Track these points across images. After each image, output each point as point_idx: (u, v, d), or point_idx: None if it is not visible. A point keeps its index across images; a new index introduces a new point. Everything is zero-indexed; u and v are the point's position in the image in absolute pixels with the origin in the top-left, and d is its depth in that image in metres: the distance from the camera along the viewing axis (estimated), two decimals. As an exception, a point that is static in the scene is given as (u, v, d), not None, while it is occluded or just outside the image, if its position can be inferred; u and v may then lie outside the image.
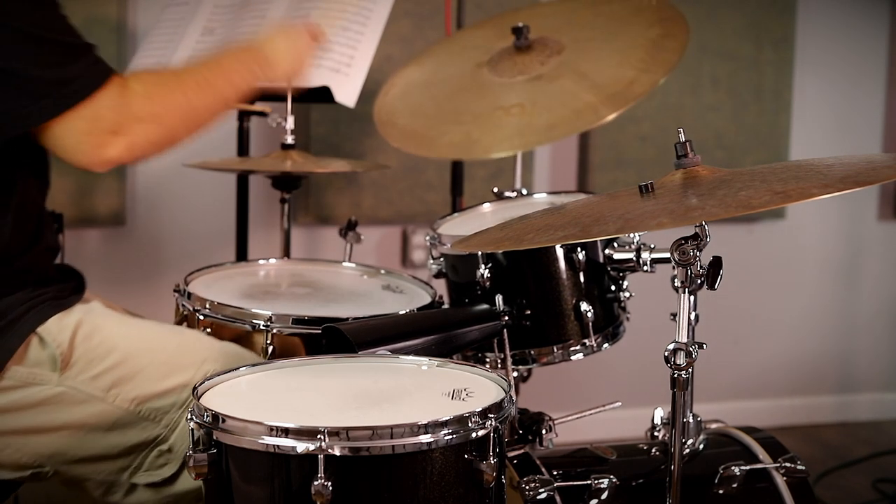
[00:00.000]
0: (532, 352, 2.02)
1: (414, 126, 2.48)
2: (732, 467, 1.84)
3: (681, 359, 1.58)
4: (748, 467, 1.85)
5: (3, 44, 1.63)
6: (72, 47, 1.69)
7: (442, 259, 2.13)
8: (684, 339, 1.59)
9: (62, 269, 1.91)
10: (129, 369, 1.77)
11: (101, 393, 1.76)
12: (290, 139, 2.46)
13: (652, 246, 1.98)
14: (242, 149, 2.86)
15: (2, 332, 1.72)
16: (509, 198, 2.34)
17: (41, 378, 1.75)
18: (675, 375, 1.60)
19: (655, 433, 2.01)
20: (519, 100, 2.36)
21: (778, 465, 1.86)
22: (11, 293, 1.74)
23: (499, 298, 1.97)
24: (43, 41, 1.66)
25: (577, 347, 2.01)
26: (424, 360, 1.71)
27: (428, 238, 2.14)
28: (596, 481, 1.81)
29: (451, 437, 1.42)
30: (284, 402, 1.57)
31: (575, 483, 1.82)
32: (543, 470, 1.84)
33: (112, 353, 1.78)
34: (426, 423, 1.41)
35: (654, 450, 1.95)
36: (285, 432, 1.40)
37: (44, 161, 1.84)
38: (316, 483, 1.37)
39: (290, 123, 2.46)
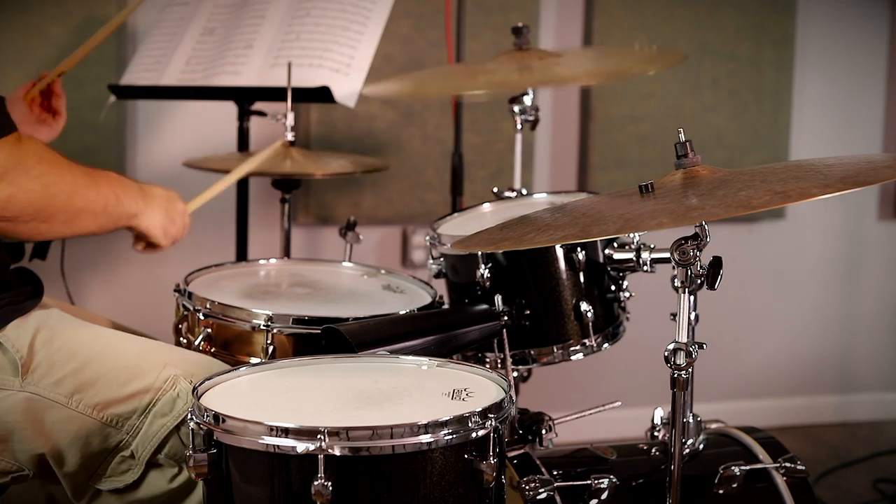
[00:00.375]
0: (532, 352, 2.02)
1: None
2: (732, 467, 1.84)
3: (681, 359, 1.59)
4: (748, 467, 1.85)
5: None
6: None
7: (442, 259, 2.13)
8: (684, 339, 1.59)
9: (19, 272, 1.88)
10: (90, 374, 1.76)
11: (63, 399, 1.74)
12: (290, 136, 2.46)
13: (652, 246, 1.98)
14: (242, 148, 2.86)
15: None
16: (509, 198, 2.34)
17: (4, 382, 1.73)
18: (675, 375, 1.60)
19: (655, 433, 2.01)
20: (510, 75, 2.41)
21: (778, 465, 1.86)
22: None
23: (498, 298, 1.97)
24: None
25: (577, 347, 2.01)
26: (424, 360, 1.71)
27: (428, 238, 2.14)
28: (596, 481, 1.82)
29: (451, 437, 1.42)
30: (284, 402, 1.57)
31: (575, 483, 1.82)
32: (543, 470, 1.84)
33: (73, 358, 1.76)
34: (426, 423, 1.41)
35: (654, 450, 1.95)
36: (285, 432, 1.40)
37: None
38: (316, 483, 1.37)
39: (290, 120, 2.45)
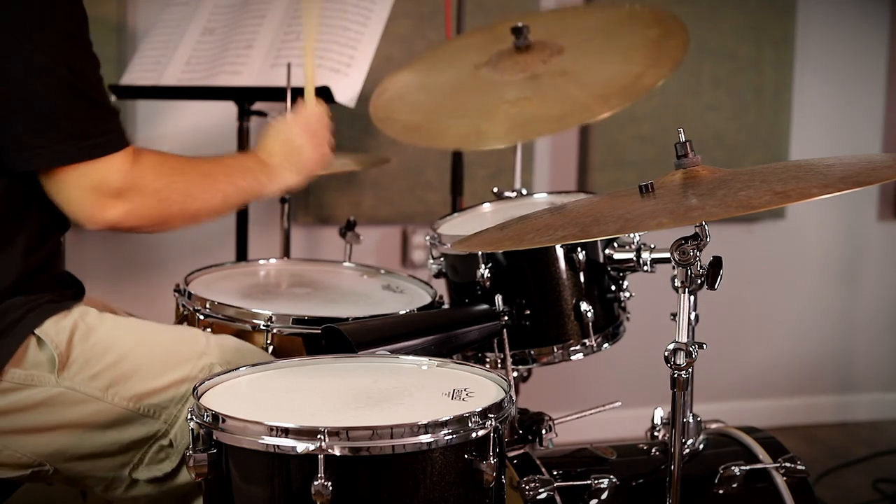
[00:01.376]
0: (532, 352, 2.02)
1: (416, 120, 2.48)
2: (732, 467, 1.84)
3: (681, 359, 1.58)
4: (748, 467, 1.85)
5: (48, 88, 1.69)
6: (102, 107, 1.76)
7: (442, 259, 2.13)
8: (684, 339, 1.59)
9: (62, 276, 1.90)
10: (126, 368, 1.78)
11: (99, 392, 1.76)
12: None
13: (652, 246, 1.98)
14: (242, 148, 2.85)
15: (0, 335, 1.72)
16: (509, 198, 2.34)
17: (39, 379, 1.75)
18: (675, 375, 1.60)
19: (655, 433, 2.01)
20: (524, 94, 2.37)
21: (778, 465, 1.86)
22: (10, 297, 1.74)
23: (499, 298, 1.97)
24: (81, 95, 1.72)
25: (577, 347, 2.01)
26: (424, 360, 1.71)
27: (428, 238, 2.14)
28: (596, 481, 1.81)
29: (451, 437, 1.42)
30: (284, 402, 1.57)
31: (575, 483, 1.82)
32: (543, 470, 1.84)
33: (109, 352, 1.78)
34: (426, 423, 1.41)
35: (654, 450, 1.95)
36: (285, 432, 1.40)
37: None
38: (316, 483, 1.37)
39: (290, 121, 2.45)
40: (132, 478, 1.81)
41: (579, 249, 1.98)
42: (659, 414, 2.01)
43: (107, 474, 1.81)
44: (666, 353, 1.59)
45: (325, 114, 2.11)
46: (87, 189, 1.72)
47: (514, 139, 2.46)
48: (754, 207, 1.40)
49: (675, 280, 1.59)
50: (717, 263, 1.58)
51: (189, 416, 1.49)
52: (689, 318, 1.59)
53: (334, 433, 1.38)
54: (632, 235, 2.00)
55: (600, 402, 2.04)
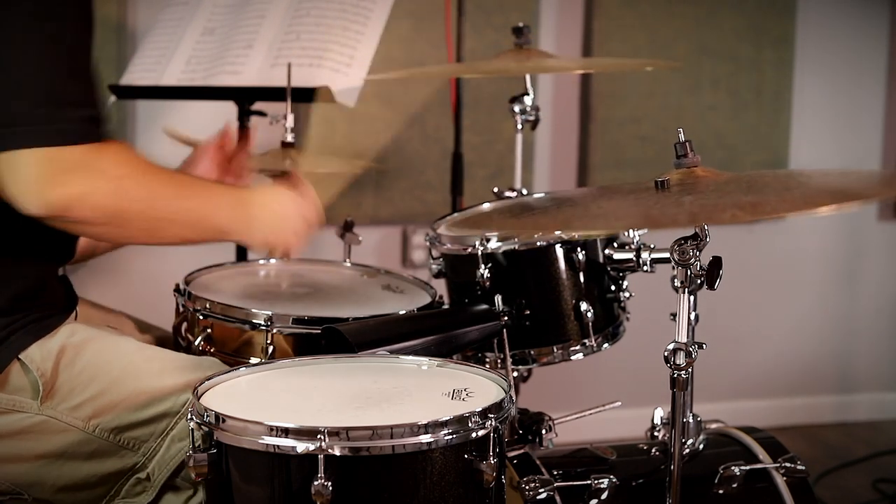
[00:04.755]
0: (532, 352, 2.02)
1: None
2: (732, 467, 1.84)
3: (681, 359, 1.59)
4: (748, 467, 1.85)
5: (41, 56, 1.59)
6: (89, 98, 1.64)
7: (442, 259, 2.13)
8: (684, 339, 1.59)
9: (53, 283, 1.85)
10: (110, 399, 1.74)
11: (81, 423, 1.73)
12: (289, 137, 2.46)
13: (652, 246, 1.98)
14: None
15: None
16: (509, 198, 2.34)
17: (21, 405, 1.71)
18: (675, 375, 1.60)
19: (655, 433, 2.01)
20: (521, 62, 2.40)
21: (778, 465, 1.86)
22: None
23: (498, 298, 1.97)
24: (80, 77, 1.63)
25: (577, 347, 2.01)
26: (424, 360, 1.71)
27: (428, 238, 2.14)
28: (596, 481, 1.81)
29: (451, 437, 1.42)
30: (284, 402, 1.57)
31: (575, 483, 1.82)
32: (543, 470, 1.84)
33: (94, 381, 1.74)
34: (426, 423, 1.41)
35: (654, 450, 1.95)
36: (285, 432, 1.40)
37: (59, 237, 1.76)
38: (316, 483, 1.37)
39: (289, 121, 2.45)
40: None
41: (579, 249, 1.98)
42: (659, 414, 2.01)
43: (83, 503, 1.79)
44: (666, 353, 1.59)
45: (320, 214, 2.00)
46: (40, 168, 1.56)
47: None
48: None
49: (675, 280, 1.59)
50: (716, 263, 1.58)
51: (189, 416, 1.49)
52: (688, 318, 1.59)
53: (334, 433, 1.38)
54: (632, 235, 2.00)
55: (600, 402, 2.04)
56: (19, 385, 1.72)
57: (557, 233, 1.91)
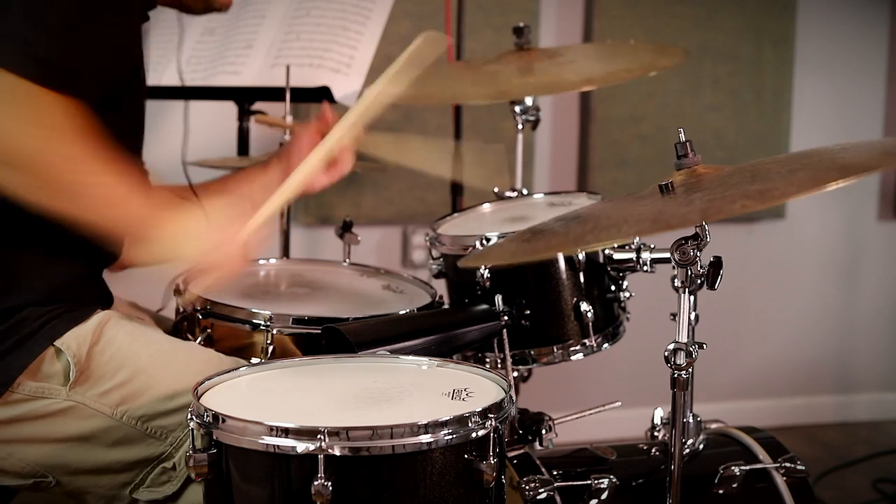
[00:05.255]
0: (532, 352, 2.02)
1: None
2: (732, 467, 1.84)
3: (681, 359, 1.59)
4: (748, 467, 1.85)
5: None
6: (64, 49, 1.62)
7: (442, 259, 2.13)
8: (684, 339, 1.59)
9: (90, 281, 1.88)
10: (137, 387, 1.76)
11: (108, 409, 1.74)
12: (289, 138, 2.46)
13: (652, 246, 1.98)
14: (242, 148, 2.85)
15: (15, 346, 1.70)
16: (509, 198, 2.34)
17: (50, 391, 1.73)
18: (675, 375, 1.60)
19: (655, 433, 2.01)
20: (524, 74, 2.39)
21: (778, 465, 1.86)
22: (27, 305, 1.71)
23: (499, 298, 1.97)
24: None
25: (577, 347, 2.01)
26: (424, 360, 1.71)
27: (428, 238, 2.14)
28: (596, 481, 1.81)
29: (451, 437, 1.42)
30: (284, 402, 1.57)
31: (575, 483, 1.82)
32: (543, 470, 1.84)
33: (123, 368, 1.76)
34: (426, 423, 1.41)
35: (654, 450, 1.94)
36: (285, 432, 1.40)
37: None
38: (316, 483, 1.37)
39: (289, 122, 2.46)
40: (132, 497, 1.79)
41: (580, 251, 1.98)
42: (659, 414, 2.01)
43: (107, 492, 1.79)
44: (666, 353, 1.59)
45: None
46: None
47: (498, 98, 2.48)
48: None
49: (675, 280, 1.59)
50: (717, 263, 1.58)
51: (189, 416, 1.49)
52: (689, 318, 1.59)
53: (334, 433, 1.38)
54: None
55: (600, 402, 2.04)
56: (50, 372, 1.73)
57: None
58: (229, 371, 1.65)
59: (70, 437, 1.75)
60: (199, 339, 1.97)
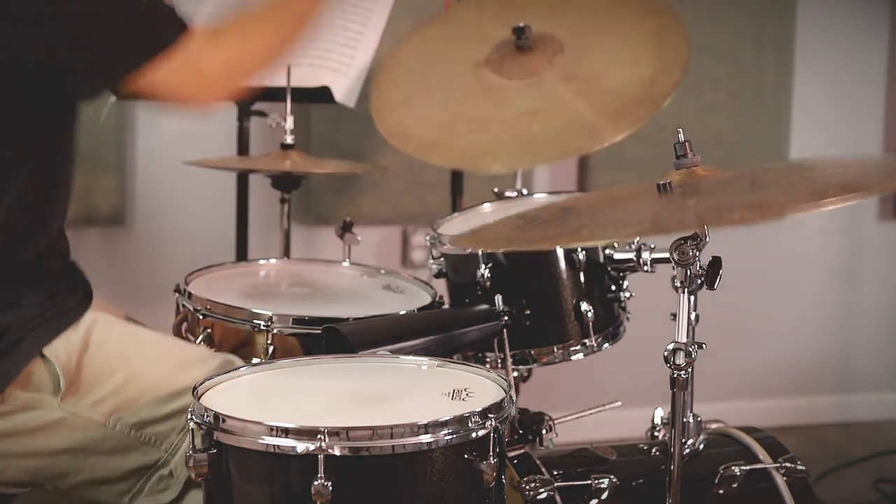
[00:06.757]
0: (532, 352, 2.02)
1: (433, 136, 2.37)
2: (732, 467, 1.84)
3: (681, 359, 1.59)
4: (748, 467, 1.85)
5: None
6: None
7: (442, 259, 2.13)
8: (684, 339, 1.59)
9: (70, 274, 1.83)
10: (130, 394, 1.74)
11: (101, 418, 1.73)
12: (289, 139, 2.46)
13: (652, 246, 1.98)
14: (242, 148, 2.86)
15: (2, 356, 1.67)
16: (509, 198, 2.34)
17: (41, 402, 1.71)
18: (675, 375, 1.60)
19: (655, 433, 2.01)
20: (530, 106, 2.32)
21: (778, 465, 1.86)
22: (13, 305, 1.69)
23: (499, 298, 1.97)
24: None
25: (577, 347, 2.01)
26: (424, 360, 1.71)
27: (428, 238, 2.14)
28: (596, 481, 1.81)
29: (451, 437, 1.42)
30: (284, 402, 1.57)
31: (575, 483, 1.82)
32: (543, 470, 1.84)
33: (113, 376, 1.74)
34: (426, 423, 1.41)
35: (654, 450, 1.94)
36: (285, 432, 1.40)
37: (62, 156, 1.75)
38: (316, 483, 1.37)
39: (289, 123, 2.46)
40: None
41: (579, 249, 1.98)
42: (659, 414, 2.01)
43: (107, 499, 1.78)
44: (666, 353, 1.59)
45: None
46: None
47: (517, 165, 2.43)
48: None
49: (675, 280, 1.59)
50: (716, 263, 1.58)
51: (189, 416, 1.49)
52: (688, 318, 1.59)
53: (334, 433, 1.38)
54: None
55: (600, 402, 2.04)
56: (41, 382, 1.71)
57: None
58: (228, 372, 1.65)
59: (65, 449, 1.73)
60: (200, 339, 1.97)
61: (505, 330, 1.97)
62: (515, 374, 2.10)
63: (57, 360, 1.71)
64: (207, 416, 1.46)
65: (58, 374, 1.71)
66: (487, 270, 1.99)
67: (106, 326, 1.80)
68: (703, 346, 1.61)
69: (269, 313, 1.93)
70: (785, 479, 1.85)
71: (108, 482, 1.77)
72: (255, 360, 1.91)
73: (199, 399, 1.52)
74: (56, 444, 1.73)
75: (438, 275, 2.16)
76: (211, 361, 1.82)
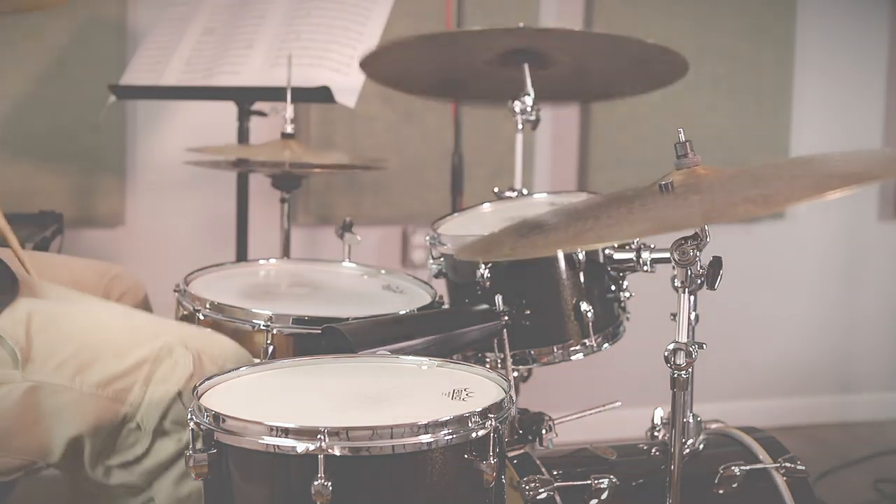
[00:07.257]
0: (532, 352, 2.02)
1: None
2: (732, 467, 1.84)
3: (681, 359, 1.58)
4: (748, 467, 1.85)
5: None
6: None
7: (442, 259, 2.13)
8: (684, 339, 1.59)
9: None
10: (88, 355, 1.76)
11: (67, 381, 1.75)
12: (289, 128, 2.46)
13: (652, 246, 1.98)
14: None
15: None
16: (509, 198, 2.34)
17: (5, 377, 1.73)
18: (675, 375, 1.60)
19: (655, 433, 2.01)
20: None
21: (778, 465, 1.86)
22: None
23: (499, 298, 1.97)
24: None
25: (577, 347, 2.01)
26: (424, 360, 1.71)
27: (428, 238, 2.14)
28: (596, 481, 1.81)
29: (451, 437, 1.42)
30: (284, 402, 1.57)
31: (575, 483, 1.82)
32: (543, 470, 1.84)
33: (69, 340, 1.77)
34: (426, 423, 1.41)
35: (654, 450, 1.94)
36: (285, 432, 1.40)
37: None
38: (316, 483, 1.37)
39: (289, 112, 2.45)
40: (106, 465, 1.80)
41: (579, 249, 1.98)
42: (659, 414, 2.01)
43: (90, 463, 1.80)
44: (666, 353, 1.59)
45: None
46: None
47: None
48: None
49: (675, 280, 1.59)
50: (716, 263, 1.58)
51: (189, 416, 1.49)
52: (689, 318, 1.59)
53: (334, 433, 1.38)
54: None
55: (600, 402, 2.04)
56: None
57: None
58: (228, 371, 1.65)
59: (40, 417, 1.75)
60: (199, 339, 1.97)
61: (505, 330, 1.97)
62: (515, 374, 2.10)
63: (6, 334, 1.73)
64: (207, 416, 1.46)
65: (12, 347, 1.73)
66: (487, 270, 1.99)
67: (48, 302, 1.83)
68: (704, 346, 1.61)
69: (269, 313, 1.93)
70: (785, 479, 1.85)
71: (86, 444, 1.78)
72: (255, 360, 1.91)
73: (199, 399, 1.52)
74: (32, 414, 1.75)
75: (438, 275, 2.16)
76: (161, 320, 1.87)
